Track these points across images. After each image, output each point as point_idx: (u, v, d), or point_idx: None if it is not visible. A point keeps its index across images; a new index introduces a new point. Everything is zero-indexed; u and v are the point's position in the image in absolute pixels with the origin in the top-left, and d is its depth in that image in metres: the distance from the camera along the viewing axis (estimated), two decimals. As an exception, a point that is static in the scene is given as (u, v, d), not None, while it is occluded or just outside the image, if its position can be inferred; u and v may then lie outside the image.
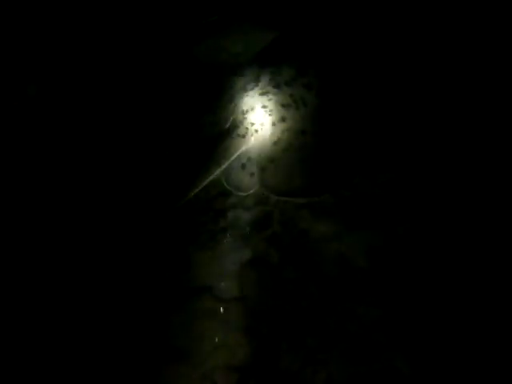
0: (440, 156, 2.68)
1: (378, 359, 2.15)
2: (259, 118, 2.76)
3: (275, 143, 2.69)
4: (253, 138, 2.71)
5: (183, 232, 2.61)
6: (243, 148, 2.70)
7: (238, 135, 2.73)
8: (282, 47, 3.19)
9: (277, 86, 2.88)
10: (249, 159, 2.69)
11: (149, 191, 2.71)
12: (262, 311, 2.32)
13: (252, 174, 2.65)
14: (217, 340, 2.26)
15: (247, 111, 2.81)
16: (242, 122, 2.77)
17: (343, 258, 2.42)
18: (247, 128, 2.74)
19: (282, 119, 2.74)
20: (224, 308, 2.34)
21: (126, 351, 2.29)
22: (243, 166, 2.67)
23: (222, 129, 2.79)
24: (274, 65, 3.02)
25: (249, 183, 2.66)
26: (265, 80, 2.93)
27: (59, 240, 2.56)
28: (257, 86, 2.92)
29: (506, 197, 2.49)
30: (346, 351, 2.18)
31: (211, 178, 2.64)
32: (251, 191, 2.63)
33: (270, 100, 2.82)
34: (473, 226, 2.44)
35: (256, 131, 2.73)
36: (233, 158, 2.68)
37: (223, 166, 2.65)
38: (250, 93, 2.90)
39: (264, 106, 2.80)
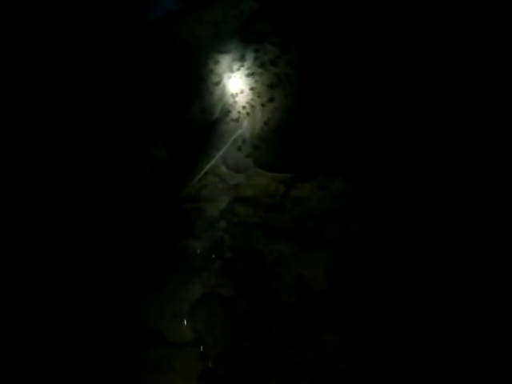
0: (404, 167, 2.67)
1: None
2: (249, 100, 2.95)
3: (266, 123, 2.91)
4: (245, 121, 2.93)
5: (131, 271, 2.45)
6: (238, 132, 2.92)
7: (232, 120, 2.93)
8: (263, 21, 3.28)
9: (262, 66, 3.03)
10: (244, 141, 2.92)
11: (147, 184, 2.83)
12: (219, 353, 2.18)
13: (248, 155, 2.89)
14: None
15: (236, 94, 2.99)
16: (233, 106, 2.96)
17: (302, 280, 2.31)
18: (239, 112, 2.94)
19: (271, 99, 2.94)
20: (178, 355, 2.18)
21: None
22: (239, 149, 2.91)
23: (215, 115, 2.97)
24: (257, 42, 3.14)
25: (245, 163, 2.91)
26: (250, 59, 3.07)
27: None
28: (242, 66, 3.07)
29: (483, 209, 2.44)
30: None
31: (212, 162, 2.88)
32: (249, 171, 2.88)
33: (257, 82, 2.99)
34: (435, 240, 2.38)
35: (248, 114, 2.93)
36: (229, 142, 2.91)
37: (221, 151, 2.89)
38: (237, 74, 3.06)
39: (252, 88, 2.98)
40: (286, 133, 2.87)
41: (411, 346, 2.11)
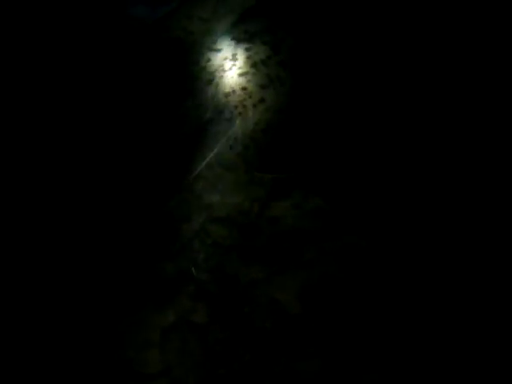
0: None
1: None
2: (241, 100, 3.05)
3: (256, 123, 3.02)
4: (237, 121, 3.03)
5: (102, 296, 2.39)
6: (230, 131, 3.02)
7: (225, 119, 3.03)
8: (255, 18, 3.33)
9: (254, 66, 3.12)
10: (235, 140, 3.03)
11: (140, 186, 2.90)
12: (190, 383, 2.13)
13: (238, 154, 3.01)
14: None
15: (229, 94, 3.07)
16: (226, 106, 3.05)
17: (276, 304, 2.26)
18: (231, 112, 3.03)
19: (262, 100, 3.04)
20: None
21: None
22: (231, 147, 3.02)
23: (208, 114, 3.06)
24: (248, 40, 3.20)
25: (236, 162, 3.03)
26: (241, 59, 3.15)
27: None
28: (234, 65, 3.14)
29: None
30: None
31: (206, 160, 2.99)
32: (240, 170, 3.01)
33: (249, 81, 3.08)
34: (411, 261, 2.34)
35: (240, 114, 3.03)
36: (223, 140, 3.01)
37: (215, 150, 3.00)
38: (229, 73, 3.13)
39: (244, 88, 3.07)
40: (274, 134, 2.99)
41: (390, 374, 2.05)
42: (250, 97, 3.04)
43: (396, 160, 2.70)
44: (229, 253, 2.46)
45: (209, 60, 3.22)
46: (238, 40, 3.24)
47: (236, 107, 3.04)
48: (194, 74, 3.19)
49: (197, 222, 2.62)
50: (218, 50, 3.24)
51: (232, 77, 3.10)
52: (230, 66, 3.14)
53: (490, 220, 2.40)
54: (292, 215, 2.55)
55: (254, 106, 3.03)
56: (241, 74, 3.10)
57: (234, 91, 3.06)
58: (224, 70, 3.14)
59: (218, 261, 2.44)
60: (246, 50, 3.17)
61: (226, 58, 3.18)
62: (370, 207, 2.52)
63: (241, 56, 3.16)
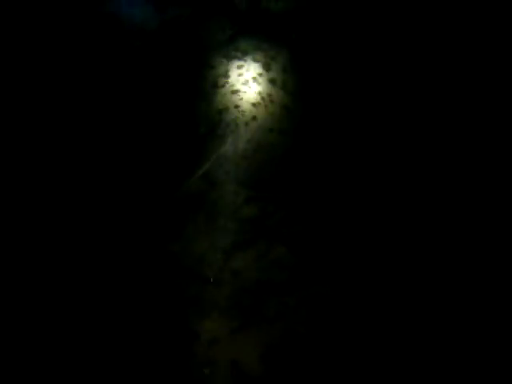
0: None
1: None
2: (233, 118, 3.16)
3: (248, 141, 3.15)
4: (230, 139, 3.15)
5: None
6: (222, 148, 3.14)
7: (217, 136, 3.14)
8: (247, 35, 3.42)
9: (246, 83, 3.22)
10: (226, 159, 3.15)
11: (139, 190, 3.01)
12: None
13: (227, 172, 3.09)
14: None
15: (222, 111, 3.18)
16: (218, 124, 3.16)
17: (237, 365, 2.18)
18: (224, 129, 3.15)
19: (253, 118, 3.17)
20: None
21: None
22: (221, 165, 3.12)
23: (200, 130, 3.17)
24: (240, 58, 3.30)
25: (225, 179, 3.13)
26: (234, 76, 3.25)
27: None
28: (227, 82, 3.25)
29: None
30: None
31: (195, 176, 3.10)
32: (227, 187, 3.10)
33: (241, 99, 3.19)
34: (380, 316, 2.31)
35: (232, 132, 3.15)
36: (212, 158, 3.13)
37: (205, 167, 3.11)
38: (222, 90, 3.24)
39: (236, 106, 3.18)
40: (265, 153, 3.12)
41: None
42: (243, 115, 3.16)
43: (360, 208, 2.74)
44: (190, 307, 2.34)
45: (202, 76, 3.30)
46: (229, 57, 3.33)
47: (228, 125, 3.15)
48: (188, 90, 3.27)
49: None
50: (211, 67, 3.32)
51: (225, 94, 3.21)
52: (223, 83, 3.24)
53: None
54: (256, 266, 2.48)
55: (247, 124, 3.15)
56: (233, 92, 3.21)
57: (227, 108, 3.17)
58: (217, 87, 3.24)
59: (178, 316, 2.32)
60: (238, 67, 3.27)
61: (218, 75, 3.28)
62: (335, 254, 2.49)
63: (233, 73, 3.26)
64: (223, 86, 3.24)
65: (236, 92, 3.21)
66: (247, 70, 3.26)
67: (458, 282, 2.41)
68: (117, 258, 2.59)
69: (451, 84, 3.18)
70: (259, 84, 3.23)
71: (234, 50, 3.36)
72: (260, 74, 3.26)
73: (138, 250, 2.63)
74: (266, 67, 3.28)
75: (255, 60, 3.30)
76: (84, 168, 3.02)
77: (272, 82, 3.25)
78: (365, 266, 2.48)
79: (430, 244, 2.53)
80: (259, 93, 3.21)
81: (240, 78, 3.24)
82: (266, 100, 3.20)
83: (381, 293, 2.37)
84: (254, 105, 3.18)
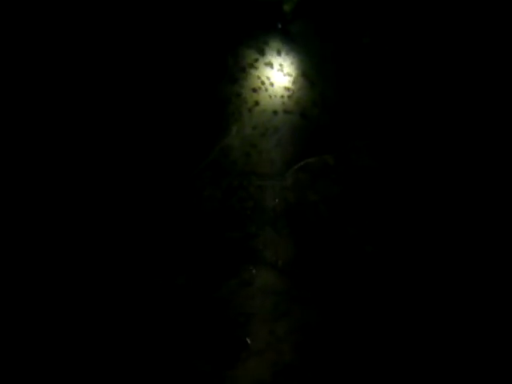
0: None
1: None
2: (236, 107, 3.17)
3: (254, 128, 3.15)
4: (234, 128, 3.16)
5: None
6: (226, 139, 3.15)
7: (220, 127, 3.15)
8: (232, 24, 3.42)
9: (243, 70, 3.23)
10: (232, 148, 3.15)
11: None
12: None
13: (233, 162, 3.08)
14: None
15: (224, 102, 3.19)
16: (221, 114, 3.17)
17: None
18: (227, 119, 3.16)
19: (256, 103, 3.17)
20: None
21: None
22: (226, 156, 3.09)
23: (203, 122, 3.17)
24: (233, 47, 3.31)
25: (232, 169, 3.10)
26: (230, 65, 3.25)
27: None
28: (225, 73, 3.25)
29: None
30: None
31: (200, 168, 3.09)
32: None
33: (241, 87, 3.20)
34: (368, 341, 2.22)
35: (236, 120, 3.16)
36: (217, 149, 3.12)
37: (209, 159, 3.08)
38: (222, 81, 3.24)
39: (238, 94, 3.19)
40: (272, 138, 3.12)
41: None
42: (245, 102, 3.16)
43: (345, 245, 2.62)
44: (174, 342, 2.21)
45: (199, 69, 3.31)
46: (223, 47, 3.33)
47: (232, 114, 3.16)
48: (187, 84, 3.29)
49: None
50: (207, 59, 3.33)
51: (225, 85, 3.21)
52: (221, 73, 3.25)
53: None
54: (243, 295, 2.36)
55: (250, 110, 3.15)
56: (233, 81, 3.21)
57: (228, 99, 3.18)
58: (216, 78, 3.25)
59: (162, 355, 2.18)
60: (233, 55, 3.27)
61: (215, 67, 3.28)
62: (322, 276, 2.39)
63: (229, 62, 3.26)
64: (222, 76, 3.25)
65: (235, 80, 3.21)
66: (242, 57, 3.26)
67: (455, 295, 2.36)
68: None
69: (451, 84, 3.15)
70: (257, 69, 3.23)
71: (226, 39, 3.36)
72: (256, 59, 3.26)
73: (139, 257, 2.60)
74: (261, 51, 3.27)
75: (249, 46, 3.30)
76: (84, 168, 3.01)
77: (269, 64, 3.24)
78: (356, 289, 2.39)
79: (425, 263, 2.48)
80: (258, 77, 3.21)
81: (237, 65, 3.24)
82: (265, 83, 3.20)
83: (371, 321, 2.25)
84: (254, 90, 3.19)
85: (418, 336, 2.22)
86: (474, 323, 2.22)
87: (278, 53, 3.30)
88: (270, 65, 3.25)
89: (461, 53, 3.21)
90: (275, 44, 3.34)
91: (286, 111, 3.16)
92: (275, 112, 3.15)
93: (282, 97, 3.19)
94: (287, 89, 3.21)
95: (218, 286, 2.40)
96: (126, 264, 2.52)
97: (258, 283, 2.40)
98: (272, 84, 3.21)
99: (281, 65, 3.27)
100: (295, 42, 3.34)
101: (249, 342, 2.23)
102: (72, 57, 3.27)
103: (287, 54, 3.32)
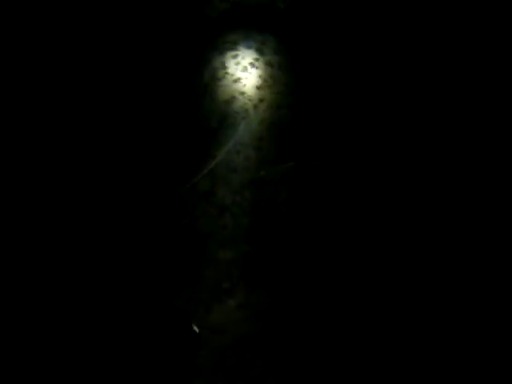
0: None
1: None
2: (241, 105, 3.16)
3: (260, 123, 3.15)
4: (242, 125, 3.14)
5: None
6: (236, 136, 3.12)
7: (228, 125, 3.13)
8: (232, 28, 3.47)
9: (245, 70, 3.24)
10: (241, 144, 3.13)
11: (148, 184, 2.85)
12: None
13: (247, 157, 3.06)
14: None
15: (228, 101, 3.18)
16: (227, 113, 3.15)
17: None
18: (234, 117, 3.14)
19: (261, 100, 3.17)
20: None
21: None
22: (238, 152, 3.07)
23: (211, 125, 3.14)
24: (232, 48, 3.34)
25: (244, 165, 3.06)
26: (231, 66, 3.27)
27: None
28: (227, 73, 3.26)
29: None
30: None
31: (213, 164, 3.03)
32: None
33: (244, 86, 3.20)
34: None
35: (243, 118, 3.14)
36: (227, 147, 3.09)
37: (219, 157, 3.06)
38: (224, 81, 3.24)
39: (242, 93, 3.19)
40: (279, 131, 3.12)
41: None
42: (250, 100, 3.16)
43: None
44: (166, 371, 2.10)
45: (200, 71, 3.31)
46: (221, 49, 3.36)
47: (237, 112, 3.15)
48: (190, 87, 3.27)
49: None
50: (207, 60, 3.34)
51: (228, 85, 3.21)
52: (223, 74, 3.25)
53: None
54: (238, 319, 2.26)
55: (255, 107, 3.15)
56: (235, 80, 3.22)
57: (232, 97, 3.17)
58: (218, 79, 3.25)
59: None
60: (233, 57, 3.29)
61: (216, 68, 3.29)
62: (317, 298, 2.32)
63: (230, 63, 3.28)
64: (224, 76, 3.25)
65: (238, 80, 3.22)
66: (243, 58, 3.29)
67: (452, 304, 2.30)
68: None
69: (451, 84, 3.23)
70: (257, 68, 3.26)
71: (223, 42, 3.40)
72: (256, 59, 3.29)
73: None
74: (260, 51, 3.31)
75: (248, 46, 3.34)
76: (83, 168, 2.90)
77: (269, 63, 3.28)
78: (353, 309, 2.30)
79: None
80: (260, 76, 3.23)
81: (238, 66, 3.26)
82: (268, 81, 3.22)
83: (369, 341, 2.17)
84: (258, 88, 3.20)
85: (410, 333, 2.19)
86: (470, 321, 2.20)
87: (275, 52, 3.35)
88: (271, 63, 3.29)
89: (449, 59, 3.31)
90: (272, 44, 3.39)
91: (290, 107, 3.17)
92: (279, 107, 3.16)
93: (285, 92, 3.21)
94: (288, 85, 3.24)
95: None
96: (115, 290, 2.33)
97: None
98: (275, 81, 3.24)
99: (280, 64, 3.31)
100: (291, 41, 3.40)
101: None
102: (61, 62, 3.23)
103: (283, 52, 3.37)
